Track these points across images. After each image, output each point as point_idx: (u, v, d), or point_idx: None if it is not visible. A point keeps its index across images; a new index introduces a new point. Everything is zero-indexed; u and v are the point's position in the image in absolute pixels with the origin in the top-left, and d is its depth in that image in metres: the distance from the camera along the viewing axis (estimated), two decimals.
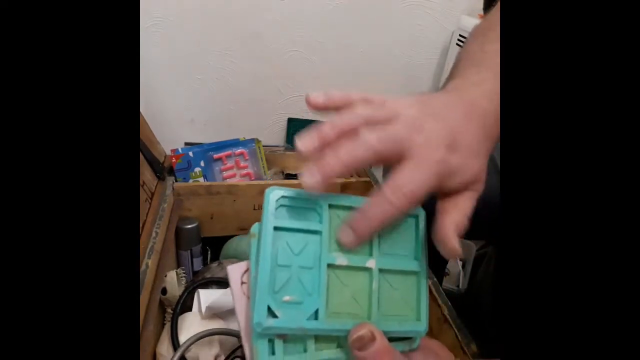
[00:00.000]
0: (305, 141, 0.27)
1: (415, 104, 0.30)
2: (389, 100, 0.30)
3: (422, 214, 0.34)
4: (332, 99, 0.30)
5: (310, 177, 0.27)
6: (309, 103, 0.30)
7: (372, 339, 0.28)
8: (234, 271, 0.33)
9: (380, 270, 0.31)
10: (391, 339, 0.29)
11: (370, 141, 0.27)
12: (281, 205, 0.30)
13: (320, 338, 0.30)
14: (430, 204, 0.34)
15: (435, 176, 0.27)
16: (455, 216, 0.29)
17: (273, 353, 0.29)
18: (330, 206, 0.31)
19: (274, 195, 0.30)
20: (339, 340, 0.30)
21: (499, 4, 0.37)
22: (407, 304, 0.32)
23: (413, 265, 0.33)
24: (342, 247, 0.31)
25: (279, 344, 0.29)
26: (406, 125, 0.28)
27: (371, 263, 0.31)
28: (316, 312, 0.29)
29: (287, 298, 0.28)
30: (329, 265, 0.30)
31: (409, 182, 0.27)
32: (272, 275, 0.28)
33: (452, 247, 0.28)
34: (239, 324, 0.32)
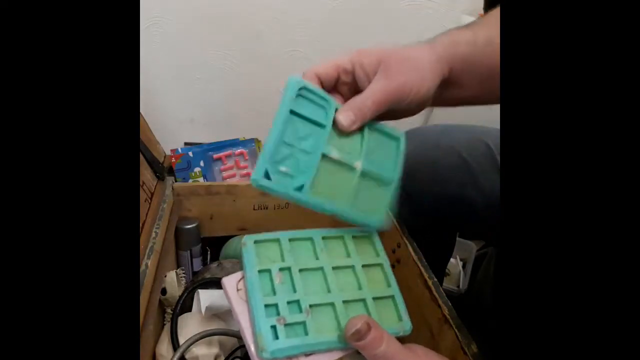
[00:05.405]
0: None
1: None
2: None
3: (402, 137, 0.40)
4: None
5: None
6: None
7: (368, 329, 0.30)
8: (229, 280, 0.36)
9: (363, 174, 0.37)
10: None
11: None
12: (299, 95, 0.35)
13: (320, 324, 0.33)
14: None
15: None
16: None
17: (277, 338, 0.31)
18: (337, 110, 0.36)
19: (297, 83, 0.35)
20: (339, 325, 0.33)
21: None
22: (377, 206, 0.39)
23: (390, 177, 0.39)
24: (338, 143, 0.37)
25: (281, 329, 0.32)
26: None
27: (358, 165, 0.37)
28: (302, 187, 0.34)
29: (283, 168, 0.34)
30: (324, 155, 0.36)
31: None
32: (276, 148, 0.33)
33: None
34: (238, 324, 0.33)
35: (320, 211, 0.35)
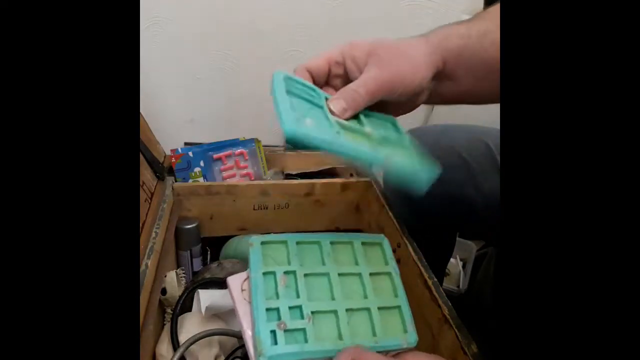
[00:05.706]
0: None
1: None
2: None
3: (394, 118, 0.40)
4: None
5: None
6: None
7: None
8: (234, 280, 0.36)
9: (378, 139, 0.35)
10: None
11: None
12: (287, 91, 0.33)
13: (320, 332, 0.33)
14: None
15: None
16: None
17: (275, 343, 0.31)
18: (327, 99, 0.36)
19: (280, 74, 0.34)
20: (340, 334, 0.33)
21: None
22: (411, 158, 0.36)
23: (402, 141, 0.38)
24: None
25: (280, 335, 0.31)
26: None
27: (369, 130, 0.35)
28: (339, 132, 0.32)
29: (308, 120, 0.31)
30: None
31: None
32: (291, 105, 0.32)
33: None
34: (240, 325, 0.33)
35: (364, 158, 0.32)
